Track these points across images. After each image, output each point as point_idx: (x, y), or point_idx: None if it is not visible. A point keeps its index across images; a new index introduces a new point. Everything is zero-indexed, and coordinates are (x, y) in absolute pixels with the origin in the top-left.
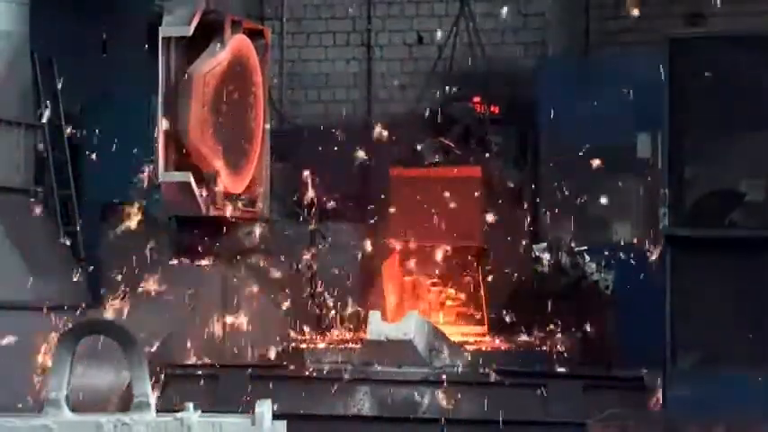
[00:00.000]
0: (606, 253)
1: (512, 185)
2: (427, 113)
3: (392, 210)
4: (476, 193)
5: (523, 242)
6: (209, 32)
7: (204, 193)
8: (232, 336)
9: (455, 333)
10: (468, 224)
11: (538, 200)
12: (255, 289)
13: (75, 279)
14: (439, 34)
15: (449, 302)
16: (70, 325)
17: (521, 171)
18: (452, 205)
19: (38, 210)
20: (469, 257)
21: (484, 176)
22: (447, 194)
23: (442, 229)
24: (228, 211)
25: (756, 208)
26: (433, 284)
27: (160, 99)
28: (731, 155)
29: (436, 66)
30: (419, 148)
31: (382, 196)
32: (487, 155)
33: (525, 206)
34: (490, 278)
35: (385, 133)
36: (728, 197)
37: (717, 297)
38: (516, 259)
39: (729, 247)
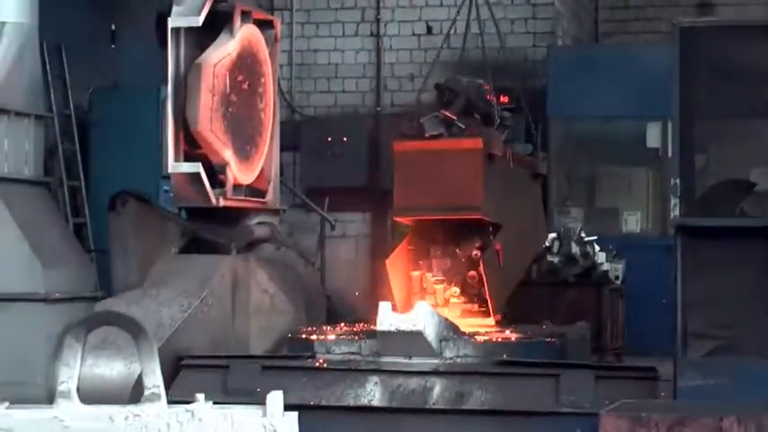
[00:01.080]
0: (616, 243)
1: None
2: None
3: (395, 184)
4: (477, 164)
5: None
6: (218, 23)
7: (214, 184)
8: (243, 327)
9: (465, 324)
10: (468, 195)
11: (549, 190)
12: (266, 279)
13: (84, 270)
14: (448, 25)
15: (453, 300)
16: (80, 316)
17: (534, 148)
18: (454, 177)
19: (47, 200)
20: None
21: (485, 147)
22: (448, 166)
23: (443, 201)
24: (238, 202)
25: (767, 197)
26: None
27: (169, 89)
28: (741, 144)
29: (438, 56)
30: (421, 121)
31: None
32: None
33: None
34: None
35: (393, 123)
36: (739, 186)
37: (727, 287)
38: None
39: (740, 236)
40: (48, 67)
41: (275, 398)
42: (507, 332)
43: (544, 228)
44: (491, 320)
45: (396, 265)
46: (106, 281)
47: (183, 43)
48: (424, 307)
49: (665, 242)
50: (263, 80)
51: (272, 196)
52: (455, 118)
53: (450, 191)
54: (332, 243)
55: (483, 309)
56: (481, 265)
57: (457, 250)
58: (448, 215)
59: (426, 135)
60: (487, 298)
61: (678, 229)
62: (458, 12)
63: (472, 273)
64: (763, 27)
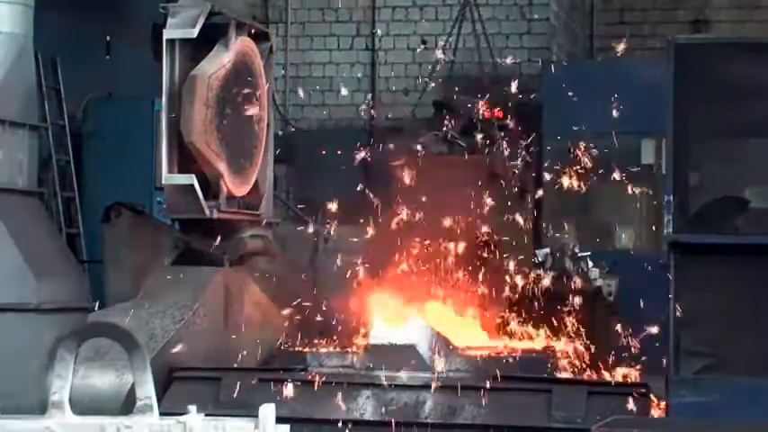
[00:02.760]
0: (609, 259)
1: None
2: (431, 109)
3: (396, 204)
4: (479, 184)
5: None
6: (213, 35)
7: (207, 196)
8: (235, 339)
9: (458, 338)
10: (470, 216)
11: (542, 205)
12: (258, 292)
13: (77, 281)
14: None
15: (453, 310)
16: (73, 327)
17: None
18: (456, 197)
19: (41, 211)
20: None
21: (489, 166)
22: (451, 187)
23: (444, 223)
24: (231, 214)
25: (760, 214)
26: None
27: (164, 101)
28: (735, 161)
29: (434, 70)
30: (422, 140)
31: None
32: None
33: (529, 200)
34: (493, 280)
35: (387, 136)
36: (732, 203)
37: (720, 303)
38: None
39: (733, 253)
40: (42, 77)
41: (267, 410)
42: (500, 347)
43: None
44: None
45: (392, 276)
46: (99, 292)
47: (178, 55)
48: (417, 321)
49: (658, 259)
50: (257, 93)
51: (265, 209)
52: (457, 136)
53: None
54: (325, 256)
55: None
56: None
57: None
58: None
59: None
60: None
61: (671, 246)
62: (453, 26)
63: None
64: (757, 45)
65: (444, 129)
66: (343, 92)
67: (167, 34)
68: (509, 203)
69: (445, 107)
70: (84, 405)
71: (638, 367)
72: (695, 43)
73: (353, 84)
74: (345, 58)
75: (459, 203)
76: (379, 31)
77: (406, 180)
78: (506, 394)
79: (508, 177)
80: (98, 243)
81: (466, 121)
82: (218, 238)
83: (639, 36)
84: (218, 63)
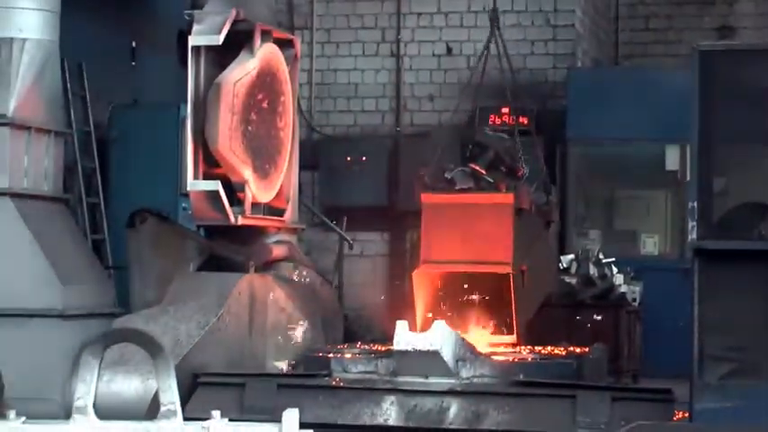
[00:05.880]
0: (634, 266)
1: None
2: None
3: (423, 235)
4: (507, 220)
5: (553, 263)
6: (238, 41)
7: (232, 202)
8: (260, 345)
9: (483, 344)
10: (499, 250)
11: (567, 211)
12: (283, 297)
13: (102, 287)
14: (468, 45)
15: (478, 317)
16: (98, 333)
17: (548, 196)
18: (484, 232)
19: (66, 217)
20: (501, 283)
21: (515, 203)
22: (478, 220)
23: (473, 256)
24: (256, 221)
25: None
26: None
27: (189, 107)
28: (760, 167)
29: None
30: (449, 176)
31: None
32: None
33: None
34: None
35: (413, 143)
36: (757, 210)
37: (744, 309)
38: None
39: (757, 259)
40: (68, 83)
41: (291, 416)
42: (524, 353)
43: (555, 273)
44: (512, 338)
45: (420, 279)
46: (124, 297)
47: (204, 61)
48: (441, 326)
49: (682, 265)
50: (282, 99)
51: (290, 215)
52: (484, 172)
53: (479, 245)
54: (350, 262)
55: (505, 325)
56: (510, 279)
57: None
58: (476, 268)
59: (456, 188)
60: (513, 312)
61: (695, 252)
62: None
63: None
64: None
65: (470, 164)
66: (369, 98)
67: (193, 41)
68: (536, 236)
69: (475, 143)
70: (108, 410)
71: (661, 373)
72: (720, 50)
73: (378, 90)
74: (370, 65)
75: (486, 241)
76: (403, 38)
77: (432, 219)
78: (530, 400)
79: (534, 211)
80: (123, 249)
81: (493, 157)
82: (243, 245)
83: (664, 43)
84: (243, 70)
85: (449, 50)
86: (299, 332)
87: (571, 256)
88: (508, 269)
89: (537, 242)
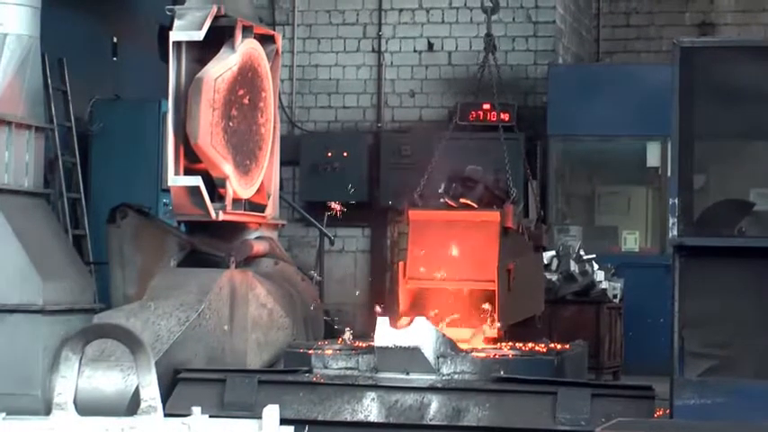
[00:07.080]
0: (615, 262)
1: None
2: (443, 183)
3: (409, 251)
4: (494, 237)
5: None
6: (220, 37)
7: (213, 198)
8: (240, 340)
9: (464, 340)
10: (486, 268)
11: (548, 207)
12: (264, 293)
13: (83, 282)
14: (449, 41)
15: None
16: (78, 328)
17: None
18: (470, 249)
19: (47, 212)
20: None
21: (502, 222)
22: (464, 238)
23: (459, 272)
24: (237, 216)
25: (765, 217)
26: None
27: (170, 103)
28: (740, 164)
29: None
30: (434, 204)
31: (389, 202)
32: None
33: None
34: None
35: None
36: (737, 206)
37: (725, 306)
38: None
39: (738, 256)
40: (49, 78)
41: (271, 412)
42: (505, 349)
43: (541, 297)
44: (493, 331)
45: (402, 275)
46: (105, 293)
47: (185, 57)
48: (422, 323)
49: (663, 261)
50: (263, 95)
51: (271, 211)
52: (475, 206)
53: (464, 262)
54: (331, 258)
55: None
56: (495, 273)
57: None
58: (461, 285)
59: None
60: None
61: (676, 249)
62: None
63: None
64: (763, 48)
65: (461, 199)
66: (350, 94)
67: (174, 36)
68: (523, 254)
69: (466, 178)
70: (88, 406)
71: (642, 369)
72: (701, 46)
73: (360, 86)
74: (352, 61)
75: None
76: (385, 34)
77: (418, 236)
78: (511, 396)
79: (519, 231)
80: (104, 244)
81: (483, 191)
82: (224, 240)
83: (645, 39)
84: (224, 65)
85: (430, 46)
86: (279, 328)
87: (552, 253)
88: (494, 286)
89: (524, 259)
